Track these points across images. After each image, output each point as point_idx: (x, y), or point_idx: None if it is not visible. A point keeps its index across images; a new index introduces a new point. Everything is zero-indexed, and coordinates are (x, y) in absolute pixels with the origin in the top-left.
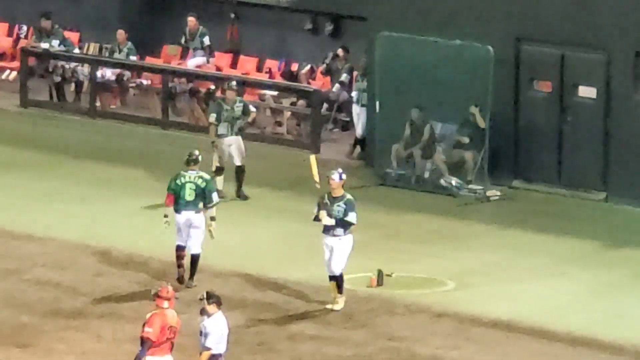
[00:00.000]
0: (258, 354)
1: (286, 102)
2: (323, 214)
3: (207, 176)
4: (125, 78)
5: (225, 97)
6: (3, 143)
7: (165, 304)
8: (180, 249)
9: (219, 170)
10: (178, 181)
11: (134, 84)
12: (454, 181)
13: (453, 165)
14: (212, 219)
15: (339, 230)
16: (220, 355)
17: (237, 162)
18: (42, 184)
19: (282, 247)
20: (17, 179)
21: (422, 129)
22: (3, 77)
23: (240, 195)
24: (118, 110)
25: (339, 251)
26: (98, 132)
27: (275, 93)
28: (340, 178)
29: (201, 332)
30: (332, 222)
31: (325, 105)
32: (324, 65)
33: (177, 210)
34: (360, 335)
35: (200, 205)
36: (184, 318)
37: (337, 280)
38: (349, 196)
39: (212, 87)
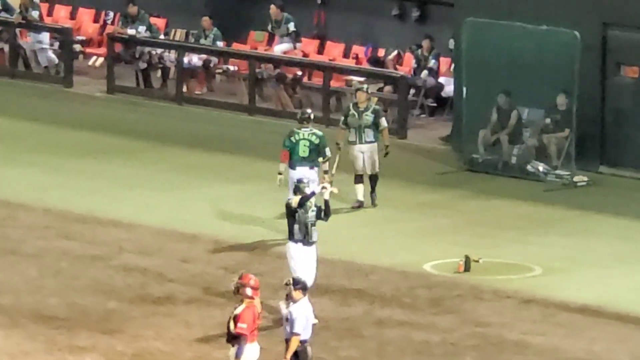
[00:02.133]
0: (345, 339)
1: (373, 88)
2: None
3: (319, 132)
4: (211, 64)
5: (357, 101)
6: (90, 129)
7: (249, 291)
8: None
9: (357, 178)
10: (292, 138)
11: (220, 70)
12: (541, 167)
13: (540, 151)
14: (325, 172)
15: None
16: (306, 341)
17: (367, 171)
18: (128, 170)
19: (370, 233)
20: (103, 165)
21: (509, 114)
22: (90, 63)
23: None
24: (204, 97)
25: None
26: (184, 118)
27: (362, 79)
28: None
29: (287, 319)
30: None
31: (412, 91)
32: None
33: (292, 167)
34: (448, 321)
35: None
36: (273, 304)
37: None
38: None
39: (299, 73)
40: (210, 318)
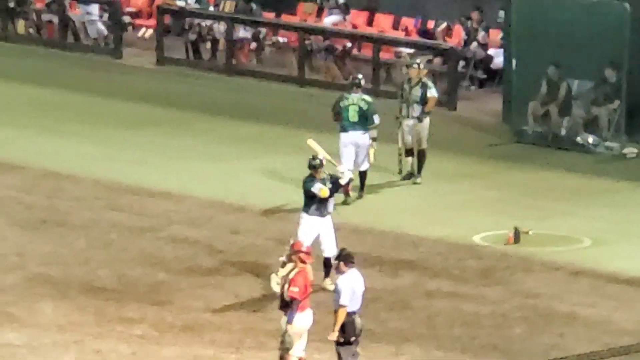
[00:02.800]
0: (394, 311)
1: (422, 60)
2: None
3: (369, 98)
4: (261, 35)
5: (410, 76)
6: (139, 100)
7: (304, 257)
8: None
9: (407, 152)
10: (342, 103)
11: (270, 42)
12: (591, 138)
13: (589, 123)
14: (374, 139)
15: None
16: (354, 312)
17: (415, 146)
18: (177, 141)
19: (419, 205)
20: (152, 136)
21: (559, 86)
22: (139, 34)
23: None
24: (254, 68)
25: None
26: (234, 89)
27: (411, 51)
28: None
29: (335, 290)
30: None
31: (461, 63)
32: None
33: (344, 130)
34: (497, 292)
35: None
36: (321, 275)
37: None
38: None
39: (349, 44)
40: (259, 290)
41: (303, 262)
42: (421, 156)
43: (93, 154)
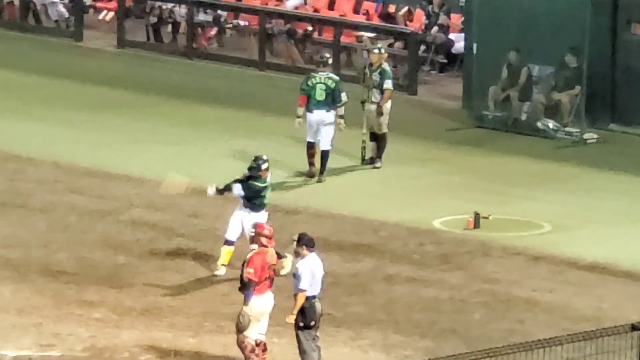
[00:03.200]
0: (354, 295)
1: (384, 44)
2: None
3: (336, 77)
4: (222, 19)
5: (371, 61)
6: (100, 83)
7: (264, 240)
8: (310, 147)
9: (371, 135)
10: (309, 82)
11: (230, 25)
12: (551, 124)
13: (550, 108)
14: (341, 117)
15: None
16: (314, 297)
17: (376, 130)
18: (138, 124)
19: (380, 189)
20: (113, 119)
21: (520, 71)
22: (100, 17)
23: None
24: (215, 51)
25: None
26: (194, 72)
27: (372, 35)
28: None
29: (294, 275)
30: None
31: (422, 47)
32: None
33: (309, 110)
34: (457, 277)
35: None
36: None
37: None
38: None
39: (310, 28)
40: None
41: (263, 245)
42: (381, 140)
43: (54, 136)
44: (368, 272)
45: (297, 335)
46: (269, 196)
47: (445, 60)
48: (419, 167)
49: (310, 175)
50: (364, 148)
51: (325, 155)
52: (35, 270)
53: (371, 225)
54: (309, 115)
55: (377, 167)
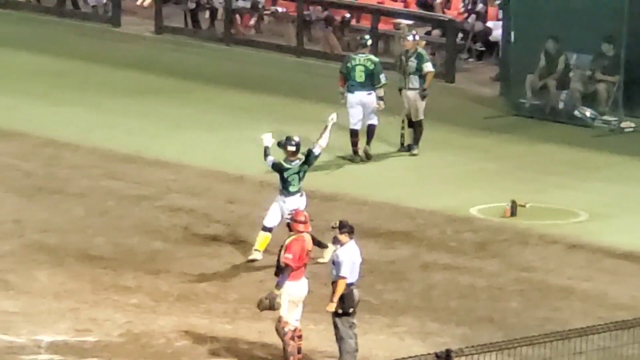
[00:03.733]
0: (391, 282)
1: (421, 32)
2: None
3: (375, 59)
4: (260, 5)
5: (406, 47)
6: (137, 69)
7: (301, 227)
8: (354, 134)
9: (408, 122)
10: (349, 64)
11: (268, 12)
12: (588, 112)
13: (587, 96)
14: (380, 98)
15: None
16: (352, 283)
17: (412, 118)
18: (175, 110)
19: (416, 177)
20: (150, 105)
21: (557, 59)
22: (138, 3)
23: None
24: (252, 38)
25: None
26: (232, 59)
27: (410, 22)
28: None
29: (333, 262)
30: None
31: (460, 35)
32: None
33: (350, 91)
34: (494, 265)
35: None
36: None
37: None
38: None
39: (347, 15)
40: (258, 260)
41: (299, 231)
42: (418, 127)
43: (91, 122)
44: (405, 260)
45: (335, 322)
46: (298, 182)
47: (483, 48)
48: (456, 154)
49: (353, 160)
50: (402, 135)
51: (372, 129)
52: (72, 256)
53: (408, 212)
54: (350, 96)
55: (414, 154)
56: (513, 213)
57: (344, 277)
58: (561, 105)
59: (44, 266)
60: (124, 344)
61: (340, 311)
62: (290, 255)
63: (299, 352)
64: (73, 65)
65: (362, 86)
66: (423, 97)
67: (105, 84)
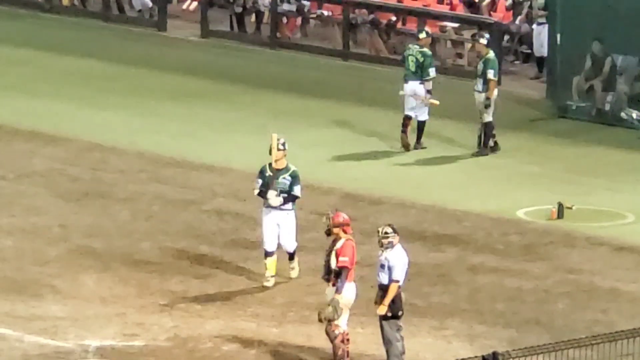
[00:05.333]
0: (438, 285)
1: (467, 34)
2: (271, 194)
3: (427, 52)
4: (305, 9)
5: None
6: (183, 73)
7: (348, 229)
8: (406, 118)
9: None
10: (405, 53)
11: (314, 15)
12: (635, 114)
13: (634, 98)
14: (428, 92)
15: (287, 205)
16: (400, 286)
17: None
18: (221, 114)
19: (463, 179)
20: (196, 108)
21: (603, 61)
22: (184, 7)
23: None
24: (298, 41)
25: (288, 226)
26: (278, 62)
27: (456, 25)
28: (284, 147)
29: (382, 265)
30: (280, 201)
31: (506, 37)
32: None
33: (405, 80)
34: (540, 267)
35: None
36: (365, 249)
37: (292, 256)
38: (293, 167)
39: (393, 18)
40: (301, 263)
41: (345, 232)
42: (483, 129)
43: (137, 126)
44: (451, 262)
45: (382, 325)
46: (284, 188)
47: (529, 51)
48: (503, 157)
49: (404, 147)
50: (479, 137)
51: (420, 125)
52: (119, 260)
53: (454, 215)
54: (405, 85)
55: (484, 155)
56: (560, 215)
57: (397, 281)
58: (607, 108)
59: (90, 271)
60: (171, 349)
61: (389, 314)
62: (346, 259)
63: (347, 355)
64: (119, 70)
65: (414, 75)
66: (485, 106)
67: (151, 88)
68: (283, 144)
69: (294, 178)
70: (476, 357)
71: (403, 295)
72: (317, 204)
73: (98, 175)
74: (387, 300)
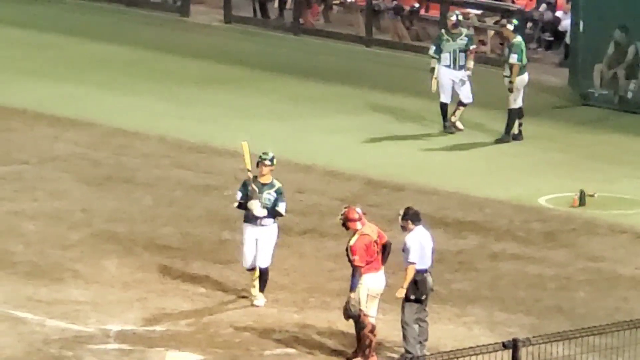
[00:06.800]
0: (459, 272)
1: (490, 21)
2: (255, 204)
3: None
4: None
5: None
6: (206, 58)
7: (358, 225)
8: (442, 106)
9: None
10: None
11: (337, 1)
12: None
13: None
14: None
15: (267, 220)
16: (425, 270)
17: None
18: (244, 99)
19: (484, 166)
20: (219, 94)
21: (626, 49)
22: None
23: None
24: (321, 27)
25: (267, 241)
26: (301, 48)
27: (479, 12)
28: (272, 163)
29: (403, 249)
30: (264, 213)
31: (529, 25)
32: None
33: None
34: (562, 255)
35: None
36: (387, 236)
37: (263, 275)
38: (278, 184)
39: (416, 5)
40: (324, 249)
41: (357, 229)
42: (508, 116)
43: (160, 111)
44: (473, 249)
45: (403, 307)
46: (267, 204)
47: (551, 38)
48: (525, 144)
49: (447, 130)
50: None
51: (462, 106)
52: (141, 245)
53: (476, 202)
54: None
55: (506, 141)
56: (581, 203)
57: (413, 263)
58: (630, 95)
59: (112, 256)
60: (192, 334)
61: (412, 297)
62: (357, 257)
63: (372, 345)
64: (142, 55)
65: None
66: (509, 90)
67: (174, 73)
68: (272, 159)
69: (279, 195)
70: (497, 343)
71: (429, 279)
72: (339, 191)
73: (121, 160)
74: (405, 283)
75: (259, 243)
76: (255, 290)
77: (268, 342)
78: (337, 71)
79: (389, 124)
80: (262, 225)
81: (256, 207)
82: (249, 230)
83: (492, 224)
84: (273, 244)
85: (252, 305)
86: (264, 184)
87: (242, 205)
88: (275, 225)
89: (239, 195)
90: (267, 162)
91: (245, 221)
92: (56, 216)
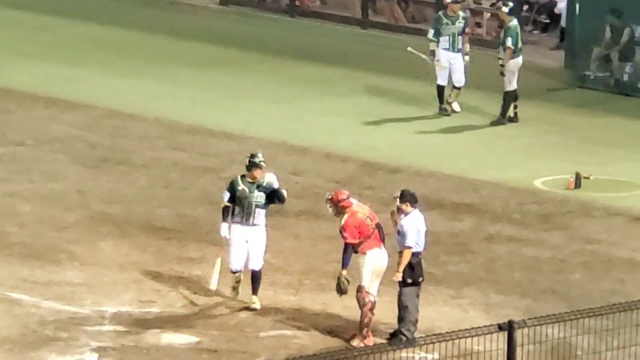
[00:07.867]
0: (455, 254)
1: (486, 3)
2: (224, 227)
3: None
4: None
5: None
6: (203, 40)
7: (347, 203)
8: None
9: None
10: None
11: None
12: None
13: None
14: (432, 53)
15: (259, 219)
16: (419, 253)
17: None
18: (240, 81)
19: (480, 148)
20: (215, 76)
21: (622, 31)
22: None
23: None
24: (317, 9)
25: (258, 242)
26: (296, 31)
27: None
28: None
29: (398, 232)
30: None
31: (525, 7)
32: None
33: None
34: (557, 237)
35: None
36: (382, 218)
37: (257, 278)
38: (266, 179)
39: None
40: (319, 231)
41: (346, 210)
42: (503, 98)
43: (155, 93)
44: (469, 231)
45: (401, 291)
46: (259, 202)
47: (547, 20)
48: (520, 126)
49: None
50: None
51: (456, 89)
52: (136, 227)
53: (472, 184)
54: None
55: (502, 124)
56: (577, 185)
57: (409, 247)
58: (625, 78)
59: (108, 237)
60: (188, 315)
61: (409, 280)
62: (347, 234)
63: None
64: (138, 37)
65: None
66: (501, 73)
67: (170, 55)
68: (263, 160)
69: (269, 185)
70: (492, 325)
71: (423, 262)
72: (335, 172)
73: (117, 141)
74: (401, 266)
75: (251, 244)
76: (234, 293)
77: (264, 324)
78: (333, 53)
79: (385, 106)
80: (254, 225)
81: (224, 230)
82: (239, 230)
83: (487, 206)
84: (264, 245)
85: (251, 309)
86: (252, 183)
87: (228, 209)
88: (265, 225)
89: (227, 195)
90: (263, 165)
91: (234, 221)
92: (52, 198)
